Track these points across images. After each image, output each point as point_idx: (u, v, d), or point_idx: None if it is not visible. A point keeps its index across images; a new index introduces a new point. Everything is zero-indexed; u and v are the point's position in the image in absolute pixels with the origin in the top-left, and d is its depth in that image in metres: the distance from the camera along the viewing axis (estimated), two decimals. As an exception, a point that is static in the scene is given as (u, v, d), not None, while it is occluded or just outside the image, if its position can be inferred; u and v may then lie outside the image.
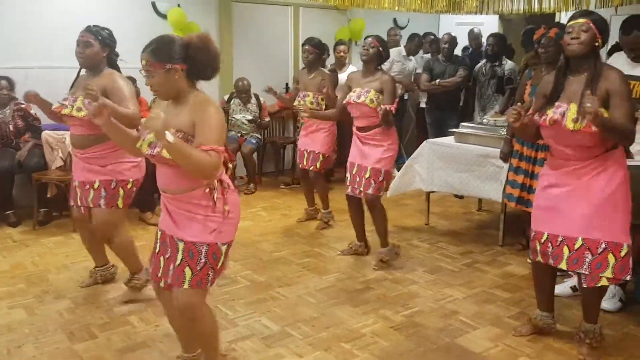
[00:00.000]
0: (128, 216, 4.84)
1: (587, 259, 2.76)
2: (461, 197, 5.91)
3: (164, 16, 6.16)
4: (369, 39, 4.07)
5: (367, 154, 4.10)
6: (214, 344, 2.59)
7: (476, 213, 5.65)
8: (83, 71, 3.54)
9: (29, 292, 3.69)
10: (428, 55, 6.98)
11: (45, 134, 5.13)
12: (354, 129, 4.22)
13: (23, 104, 5.15)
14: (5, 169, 4.95)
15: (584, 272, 2.78)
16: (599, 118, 2.53)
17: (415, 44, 6.98)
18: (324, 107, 4.94)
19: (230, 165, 2.54)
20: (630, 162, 2.93)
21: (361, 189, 4.10)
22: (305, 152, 5.04)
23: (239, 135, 6.35)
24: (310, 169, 5.01)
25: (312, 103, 4.92)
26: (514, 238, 4.62)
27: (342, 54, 6.31)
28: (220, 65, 2.38)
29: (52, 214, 5.17)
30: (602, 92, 2.68)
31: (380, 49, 4.03)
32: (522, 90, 4.19)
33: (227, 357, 2.87)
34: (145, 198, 4.95)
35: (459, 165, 4.71)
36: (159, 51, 2.28)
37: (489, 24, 7.41)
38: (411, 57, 6.98)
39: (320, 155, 4.95)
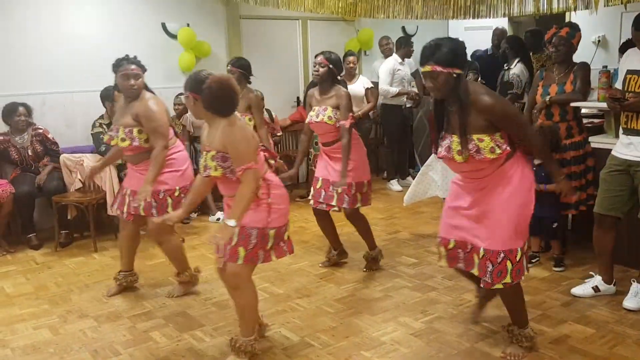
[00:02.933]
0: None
1: (489, 269, 2.76)
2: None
3: (174, 36, 6.25)
4: (318, 58, 4.05)
5: (337, 169, 4.06)
6: (247, 316, 2.99)
7: (493, 217, 5.60)
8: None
9: (53, 312, 3.74)
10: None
11: (64, 157, 5.22)
12: (320, 145, 4.25)
13: (41, 129, 5.26)
14: (26, 193, 5.04)
15: (486, 279, 2.78)
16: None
17: (404, 43, 6.83)
18: (252, 127, 4.69)
19: (272, 162, 3.01)
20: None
21: (332, 203, 4.09)
22: None
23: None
24: None
25: None
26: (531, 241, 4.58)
27: (351, 65, 6.30)
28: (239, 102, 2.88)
29: (72, 236, 5.24)
30: (479, 120, 2.65)
31: (331, 66, 4.02)
32: (534, 92, 4.18)
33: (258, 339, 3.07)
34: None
35: (473, 169, 4.67)
36: (190, 82, 2.87)
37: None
38: (404, 62, 6.83)
39: None
